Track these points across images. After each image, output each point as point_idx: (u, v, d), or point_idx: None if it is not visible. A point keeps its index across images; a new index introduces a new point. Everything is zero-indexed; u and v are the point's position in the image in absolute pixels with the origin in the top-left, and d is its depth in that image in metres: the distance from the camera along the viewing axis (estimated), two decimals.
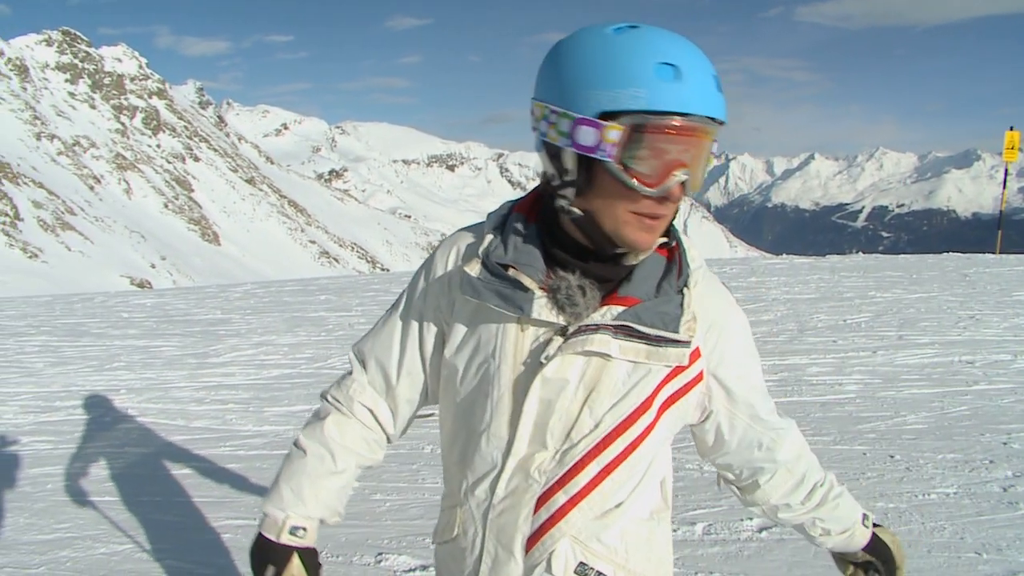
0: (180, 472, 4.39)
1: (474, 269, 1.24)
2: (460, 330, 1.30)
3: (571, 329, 1.19)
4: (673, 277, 1.24)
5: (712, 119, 1.11)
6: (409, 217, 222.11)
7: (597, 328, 1.18)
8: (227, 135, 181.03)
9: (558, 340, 1.19)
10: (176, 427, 5.24)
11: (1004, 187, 16.95)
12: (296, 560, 1.32)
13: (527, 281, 1.19)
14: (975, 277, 10.86)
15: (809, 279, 10.90)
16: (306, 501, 1.34)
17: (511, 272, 1.20)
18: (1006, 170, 17.42)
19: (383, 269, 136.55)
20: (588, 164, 1.13)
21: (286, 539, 1.32)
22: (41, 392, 6.29)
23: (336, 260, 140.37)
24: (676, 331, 1.20)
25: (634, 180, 1.11)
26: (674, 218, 1.23)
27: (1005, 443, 4.47)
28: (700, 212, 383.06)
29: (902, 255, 14.37)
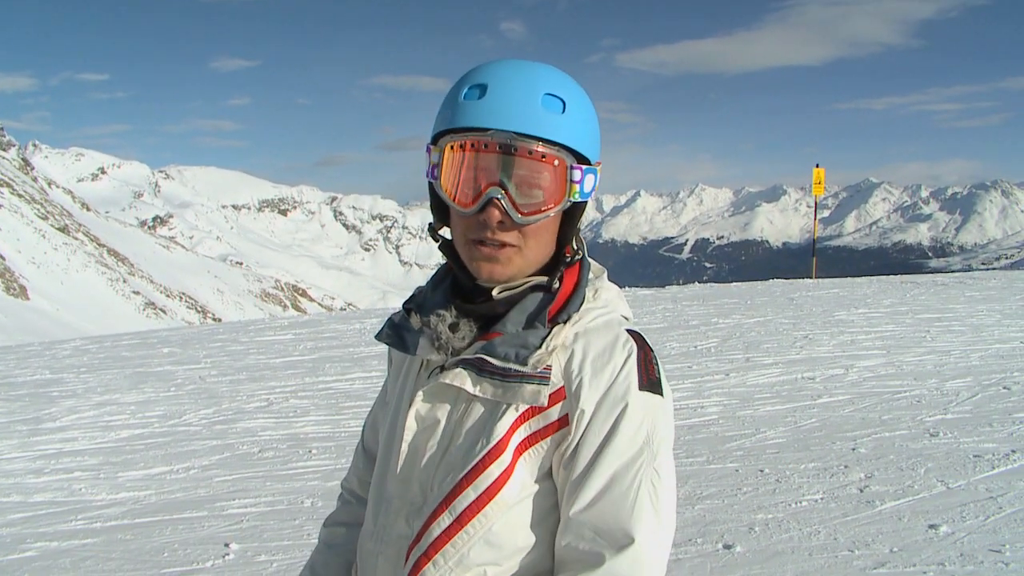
0: (24, 555, 3.90)
1: (397, 316, 1.27)
2: (388, 382, 1.35)
3: (446, 366, 1.16)
4: (547, 311, 1.14)
5: (522, 135, 1.07)
6: (241, 264, 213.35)
7: (458, 363, 1.14)
8: (34, 180, 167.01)
9: (433, 379, 1.16)
10: (11, 504, 4.68)
11: (816, 218, 18.66)
12: None
13: (413, 320, 1.21)
14: (800, 300, 11.85)
15: (655, 309, 11.46)
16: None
17: (410, 315, 1.23)
18: (815, 203, 19.19)
19: (215, 319, 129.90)
20: (435, 192, 1.16)
21: None
22: None
23: (163, 311, 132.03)
24: (525, 363, 1.09)
25: (452, 200, 1.11)
26: (566, 256, 1.17)
27: (853, 448, 4.87)
28: None
29: (734, 283, 15.44)
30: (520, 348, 1.11)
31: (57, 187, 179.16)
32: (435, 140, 1.14)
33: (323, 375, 7.74)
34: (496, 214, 1.08)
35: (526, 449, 1.12)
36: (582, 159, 1.13)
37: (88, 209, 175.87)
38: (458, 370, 1.13)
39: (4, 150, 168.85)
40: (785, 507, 3.97)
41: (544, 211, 1.10)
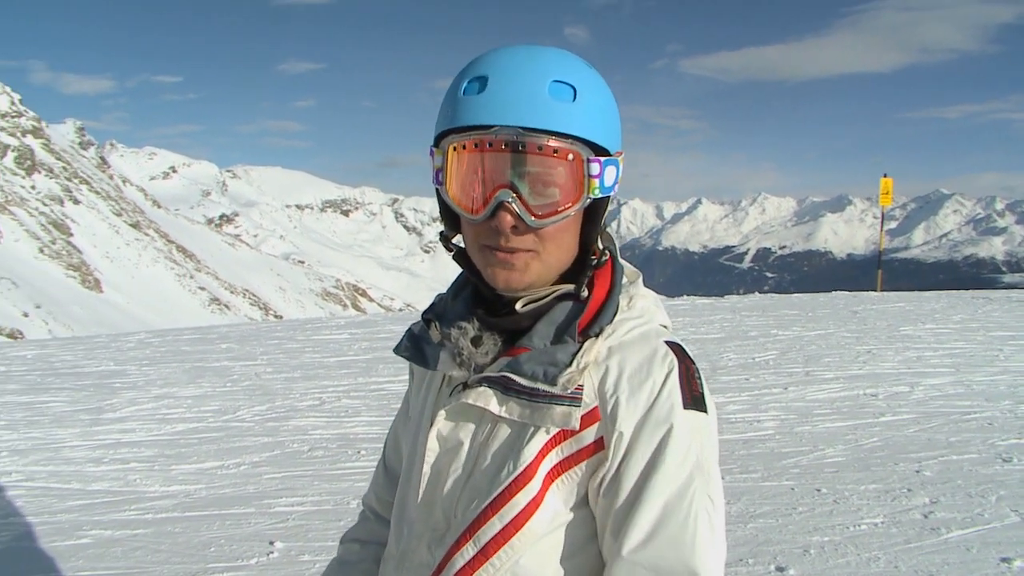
0: (79, 542, 4.00)
1: (416, 327, 1.19)
2: (410, 395, 1.28)
3: (469, 384, 1.07)
4: (576, 324, 1.05)
5: (529, 129, 0.96)
6: (303, 263, 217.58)
7: (481, 381, 1.05)
8: (110, 177, 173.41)
9: (456, 396, 1.08)
10: (71, 491, 4.81)
11: (882, 229, 18.09)
12: None
13: (433, 333, 1.13)
14: (864, 314, 11.47)
15: (713, 319, 11.23)
16: None
17: (430, 327, 1.15)
18: (883, 214, 18.61)
19: (276, 316, 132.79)
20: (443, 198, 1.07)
21: None
22: None
23: (227, 307, 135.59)
24: (554, 383, 1.00)
25: (459, 206, 1.02)
26: (588, 259, 1.08)
27: (918, 471, 4.65)
28: None
29: (795, 294, 15.06)
30: (548, 366, 1.02)
31: (131, 185, 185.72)
32: (437, 142, 1.05)
33: (376, 376, 7.78)
34: (508, 219, 0.99)
35: (558, 476, 1.02)
36: (600, 150, 1.02)
37: (159, 206, 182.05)
38: (482, 388, 1.04)
39: (84, 149, 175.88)
40: (843, 530, 3.80)
41: (561, 212, 1.00)
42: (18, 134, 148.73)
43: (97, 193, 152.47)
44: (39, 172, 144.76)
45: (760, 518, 3.95)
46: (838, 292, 14.82)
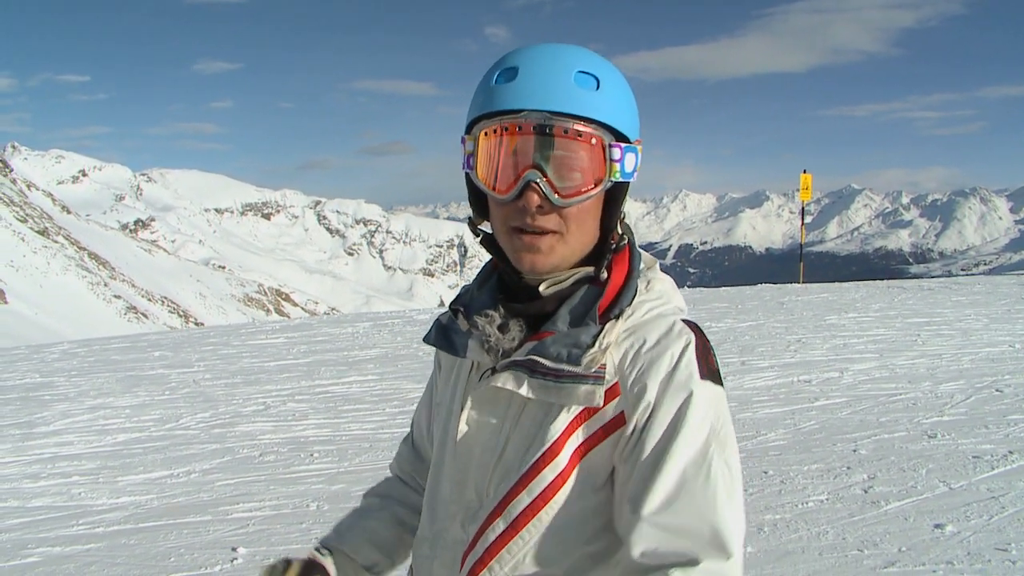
0: (26, 561, 3.85)
1: (444, 318, 1.23)
2: (439, 383, 1.32)
3: (497, 368, 1.11)
4: (597, 307, 1.09)
5: (557, 113, 1.03)
6: (224, 268, 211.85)
7: (508, 365, 1.09)
8: (13, 182, 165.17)
9: (484, 381, 1.13)
10: (9, 509, 4.62)
11: (802, 223, 18.79)
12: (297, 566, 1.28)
13: (461, 322, 1.17)
14: (790, 305, 11.93)
15: None
16: (341, 533, 1.36)
17: (457, 316, 1.19)
18: (802, 208, 19.34)
19: (197, 323, 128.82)
20: (474, 184, 1.13)
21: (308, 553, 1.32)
22: None
23: (145, 316, 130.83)
24: (578, 363, 1.05)
25: (488, 187, 1.08)
26: (608, 243, 1.13)
27: (854, 450, 4.91)
28: None
29: (723, 288, 15.52)
30: (572, 348, 1.06)
31: (37, 189, 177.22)
32: (469, 129, 1.10)
33: (319, 379, 7.71)
34: (535, 198, 1.04)
35: (585, 452, 1.07)
36: (621, 137, 1.08)
37: (68, 212, 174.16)
38: (509, 372, 1.08)
39: None
40: (792, 508, 4.00)
41: (585, 192, 1.06)
42: None
43: (0, 200, 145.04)
44: None
45: None
46: (764, 285, 15.35)
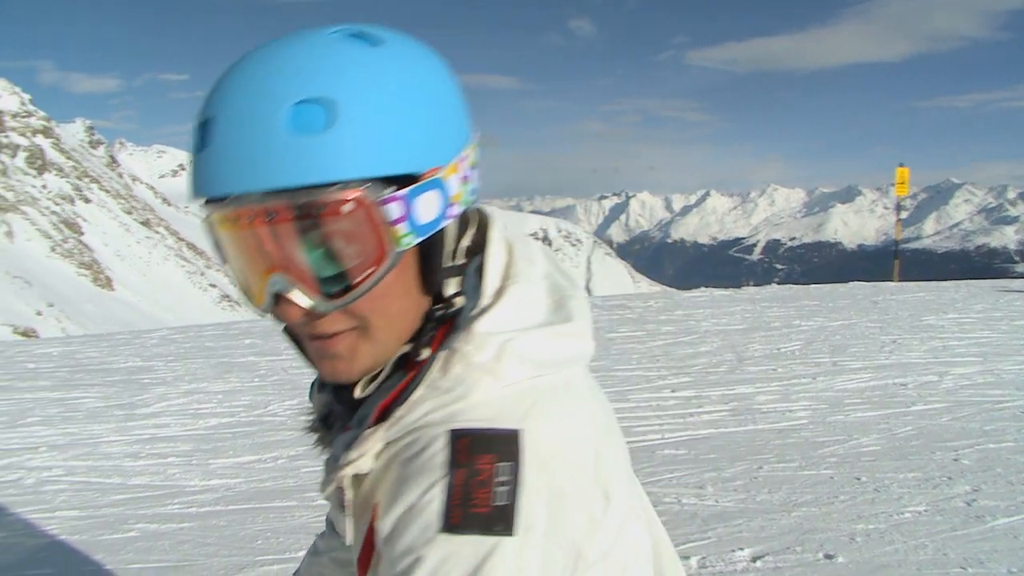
0: (127, 536, 4.05)
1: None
2: None
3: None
4: (379, 404, 0.78)
5: (275, 192, 0.68)
6: None
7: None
8: (120, 176, 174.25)
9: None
10: (113, 486, 4.86)
11: (898, 219, 18.01)
12: None
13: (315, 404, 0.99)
14: (885, 304, 11.44)
15: (733, 310, 11.22)
16: None
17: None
18: (898, 204, 18.53)
19: None
20: None
21: None
22: None
23: (237, 304, 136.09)
24: (329, 483, 0.81)
25: (243, 294, 0.80)
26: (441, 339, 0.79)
27: (955, 460, 4.65)
28: (603, 248, 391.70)
29: (813, 285, 15.02)
30: (334, 463, 0.80)
31: (140, 183, 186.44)
32: None
33: None
34: (293, 311, 0.74)
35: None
36: (401, 178, 0.72)
37: (169, 204, 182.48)
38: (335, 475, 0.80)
39: (94, 148, 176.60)
40: (887, 518, 3.81)
41: (362, 282, 0.73)
42: (28, 134, 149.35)
43: (107, 191, 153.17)
44: (50, 171, 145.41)
45: (803, 506, 3.96)
46: (856, 283, 14.78)
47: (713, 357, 7.81)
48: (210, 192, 0.71)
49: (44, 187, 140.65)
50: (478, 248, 0.83)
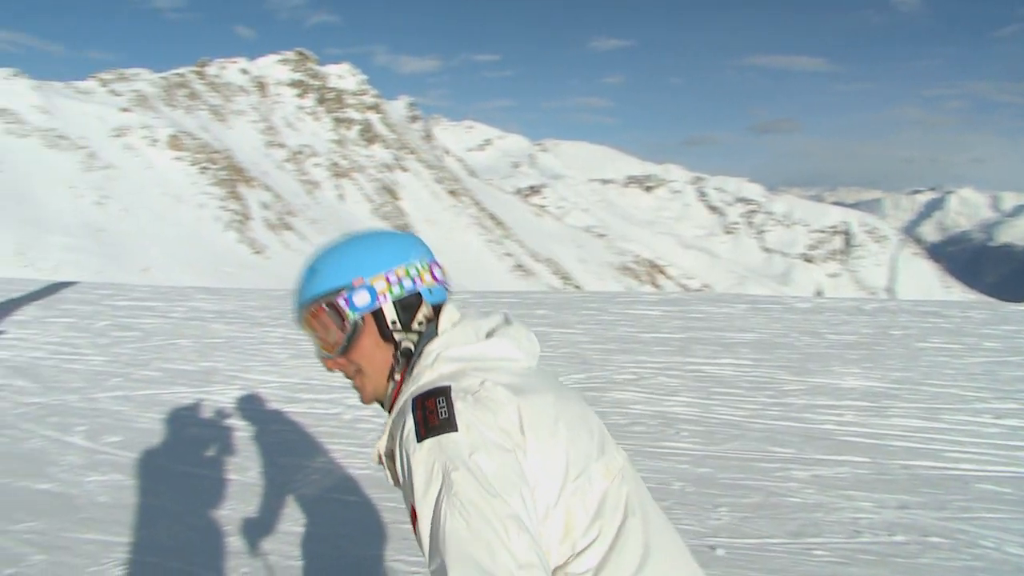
0: None
1: None
2: None
3: None
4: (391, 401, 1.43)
5: (296, 309, 1.48)
6: (603, 236, 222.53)
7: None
8: (433, 148, 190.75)
9: None
10: None
11: None
12: None
13: None
14: None
15: None
16: None
17: None
18: None
19: (575, 286, 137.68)
20: None
21: None
22: (284, 382, 6.62)
23: (531, 273, 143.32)
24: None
25: None
26: (398, 380, 1.42)
27: None
28: (912, 248, 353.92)
29: None
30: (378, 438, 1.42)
31: (450, 155, 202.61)
32: None
33: (691, 356, 7.64)
34: (326, 362, 1.46)
35: None
36: (342, 289, 1.40)
37: (474, 176, 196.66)
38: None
39: (413, 122, 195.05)
40: None
41: (337, 344, 1.42)
42: (362, 110, 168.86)
43: (422, 162, 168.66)
44: (376, 143, 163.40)
45: None
46: None
47: None
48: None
49: (371, 157, 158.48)
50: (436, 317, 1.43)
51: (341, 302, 1.38)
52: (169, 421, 5.46)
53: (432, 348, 1.34)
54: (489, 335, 1.38)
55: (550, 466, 1.25)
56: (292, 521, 3.90)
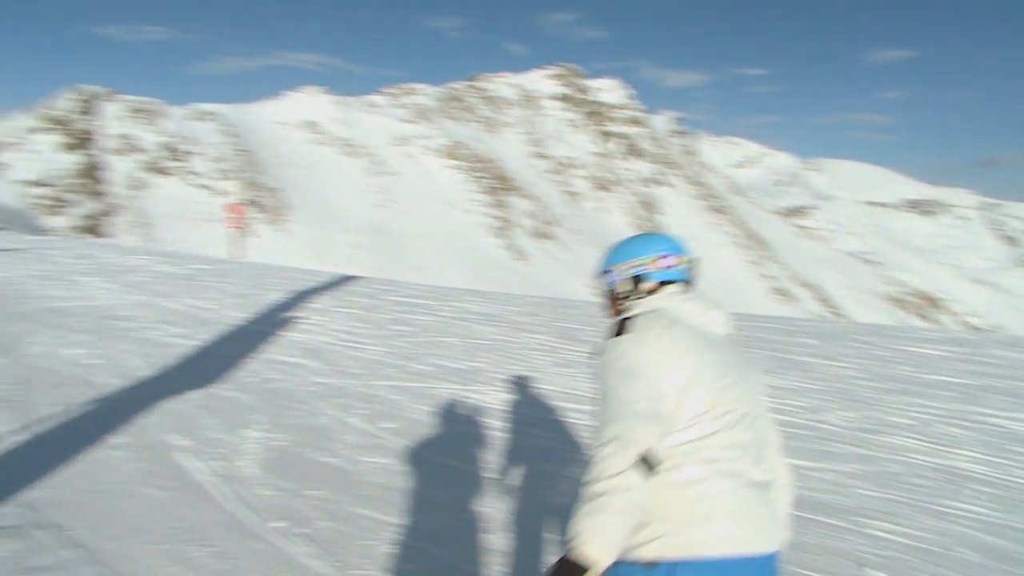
0: None
1: None
2: None
3: None
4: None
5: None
6: (873, 263, 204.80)
7: None
8: (695, 163, 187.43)
9: None
10: None
11: None
12: None
13: None
14: None
15: None
16: None
17: None
18: None
19: (838, 314, 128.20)
20: None
21: None
22: (545, 389, 6.73)
23: (791, 297, 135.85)
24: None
25: None
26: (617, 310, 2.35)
27: None
28: None
29: None
30: None
31: (712, 171, 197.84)
32: None
33: (982, 405, 6.75)
34: (604, 302, 2.48)
35: None
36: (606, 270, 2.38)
37: (736, 193, 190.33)
38: None
39: (675, 137, 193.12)
40: None
41: (603, 296, 2.44)
42: (625, 124, 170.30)
43: (684, 178, 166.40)
44: (638, 157, 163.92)
45: None
46: None
47: None
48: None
49: (633, 170, 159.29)
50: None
51: (607, 277, 2.34)
52: (438, 415, 5.84)
53: (638, 302, 2.23)
54: (671, 299, 2.21)
55: (678, 377, 1.99)
56: (549, 529, 4.00)
